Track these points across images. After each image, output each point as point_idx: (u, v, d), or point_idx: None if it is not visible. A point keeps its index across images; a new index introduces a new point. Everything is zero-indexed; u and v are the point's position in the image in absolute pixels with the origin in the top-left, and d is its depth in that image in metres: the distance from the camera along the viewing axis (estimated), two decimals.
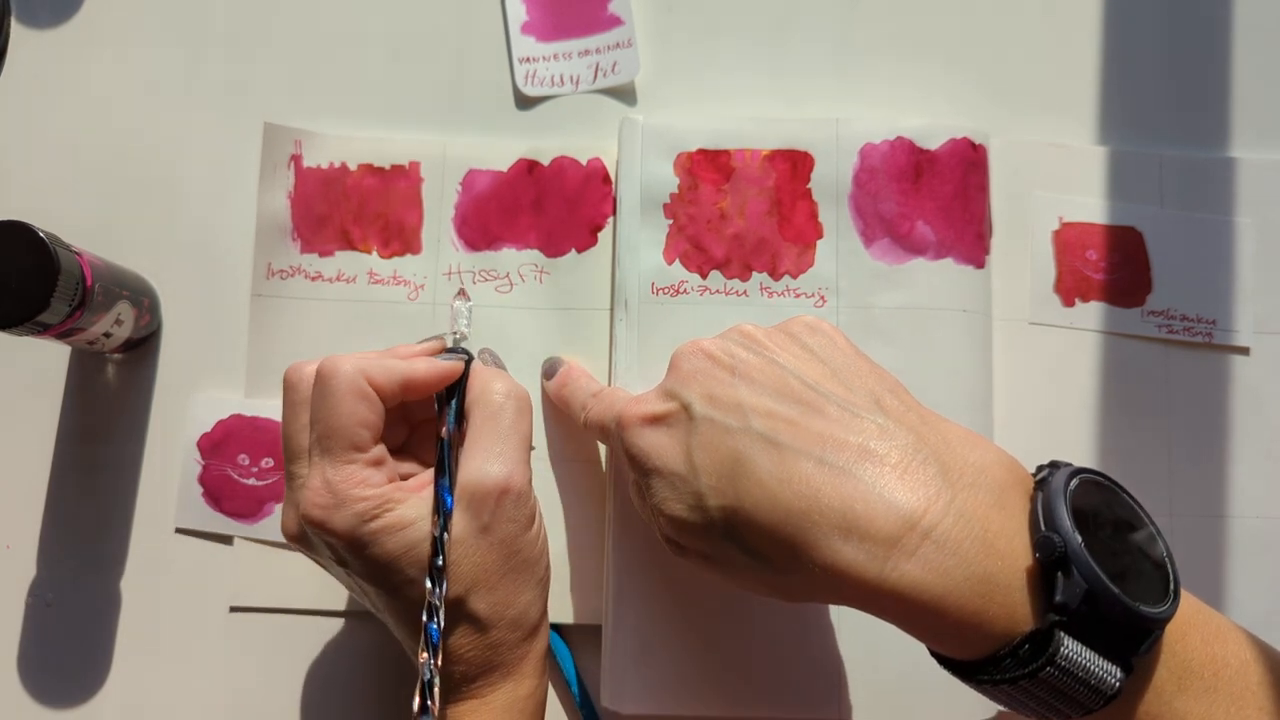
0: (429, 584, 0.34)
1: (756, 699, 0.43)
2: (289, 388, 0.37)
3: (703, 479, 0.32)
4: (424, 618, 0.34)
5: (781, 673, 0.43)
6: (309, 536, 0.36)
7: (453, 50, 0.50)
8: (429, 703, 0.34)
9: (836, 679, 0.43)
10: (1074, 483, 0.30)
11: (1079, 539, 0.28)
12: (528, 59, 0.50)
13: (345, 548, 0.35)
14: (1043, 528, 0.29)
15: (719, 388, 0.34)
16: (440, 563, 0.34)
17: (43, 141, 0.50)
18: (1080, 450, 0.46)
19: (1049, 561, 0.28)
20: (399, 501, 0.35)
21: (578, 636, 0.45)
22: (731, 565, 0.33)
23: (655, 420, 0.35)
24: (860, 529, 0.29)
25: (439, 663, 0.34)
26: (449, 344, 0.42)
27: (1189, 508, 0.46)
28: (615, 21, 0.50)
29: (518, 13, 0.50)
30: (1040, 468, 0.32)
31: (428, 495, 0.36)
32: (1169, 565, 0.30)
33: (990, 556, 0.28)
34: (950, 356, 0.45)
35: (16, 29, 0.51)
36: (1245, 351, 0.47)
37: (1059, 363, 0.47)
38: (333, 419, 0.35)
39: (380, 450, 0.37)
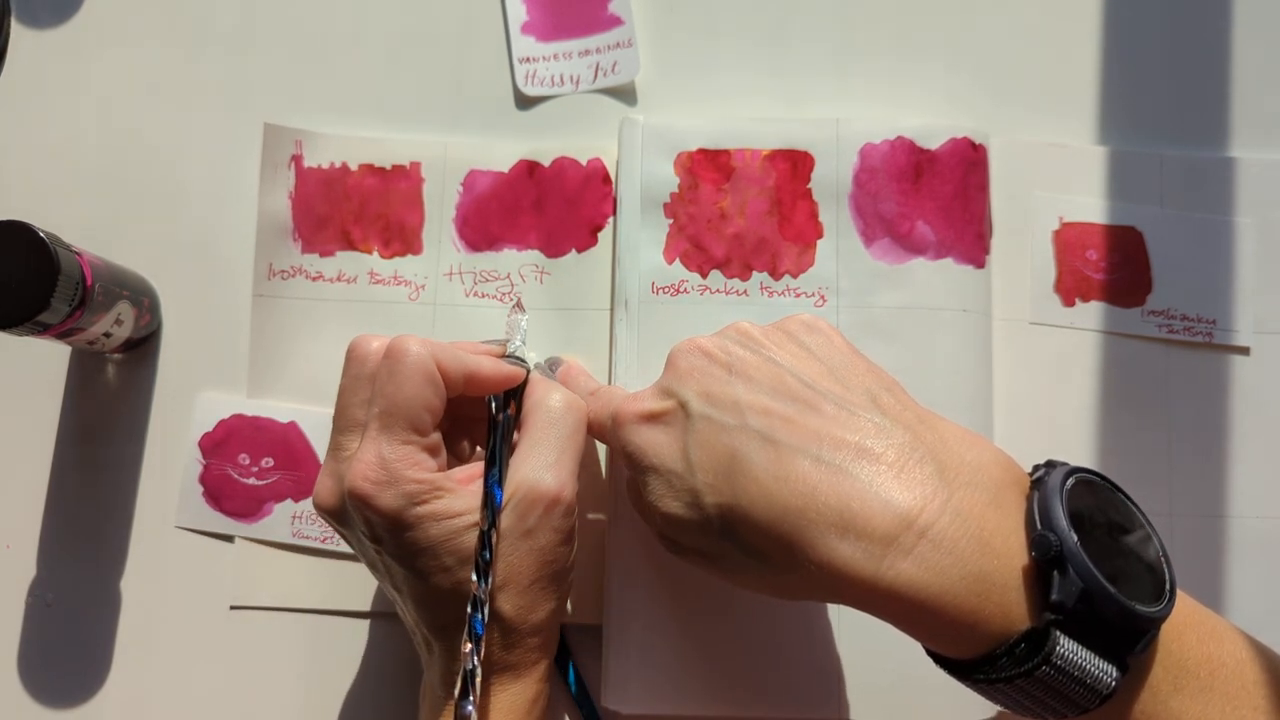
0: (475, 577, 0.35)
1: (756, 699, 0.43)
2: (353, 360, 0.37)
3: (699, 476, 0.32)
4: (469, 610, 0.35)
5: (781, 673, 0.43)
6: (345, 509, 0.36)
7: (453, 50, 0.50)
8: (470, 693, 0.34)
9: (836, 679, 0.43)
10: (1070, 482, 0.30)
11: (1075, 538, 0.28)
12: (528, 59, 0.50)
13: (386, 526, 0.35)
14: (1039, 526, 0.29)
15: (716, 385, 0.34)
16: (488, 556, 0.35)
17: (43, 141, 0.50)
18: (1080, 450, 0.46)
19: (1045, 560, 0.28)
20: (449, 491, 0.35)
21: (578, 636, 0.45)
22: (728, 563, 0.33)
23: (652, 418, 0.35)
24: (857, 527, 0.29)
25: (482, 655, 0.34)
26: (507, 352, 0.42)
27: (1189, 508, 0.46)
28: (615, 21, 0.50)
29: (518, 13, 0.50)
30: (1037, 467, 0.32)
31: (477, 489, 0.36)
32: (1165, 565, 0.30)
33: (986, 555, 0.28)
34: (950, 356, 0.45)
35: (16, 29, 0.51)
36: (1245, 351, 0.47)
37: (1059, 363, 0.47)
38: (399, 397, 0.35)
39: (437, 437, 0.37)
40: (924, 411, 0.33)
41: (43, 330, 0.40)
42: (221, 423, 0.46)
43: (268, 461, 0.46)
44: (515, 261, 0.47)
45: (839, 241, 0.46)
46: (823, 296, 0.45)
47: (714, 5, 0.51)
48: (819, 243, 0.46)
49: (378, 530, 0.35)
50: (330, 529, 0.45)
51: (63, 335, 0.42)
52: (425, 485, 0.35)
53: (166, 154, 0.49)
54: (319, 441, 0.46)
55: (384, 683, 0.45)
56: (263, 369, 0.47)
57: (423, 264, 0.48)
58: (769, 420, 0.32)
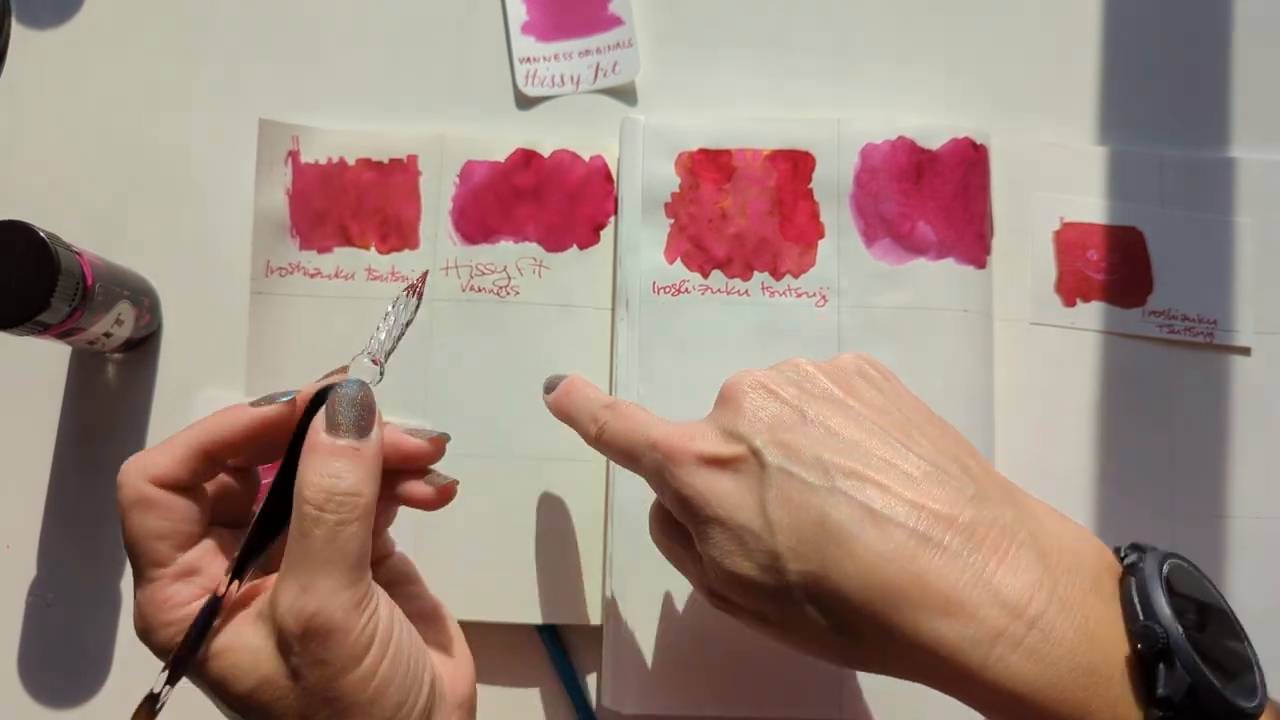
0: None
1: (757, 699, 0.43)
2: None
3: (780, 538, 0.30)
4: None
5: (782, 672, 0.43)
6: None
7: (453, 50, 0.50)
8: None
9: (837, 678, 0.43)
10: (1166, 568, 0.29)
11: (1180, 630, 0.27)
12: (528, 59, 0.50)
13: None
14: (1141, 617, 0.28)
15: (791, 435, 0.31)
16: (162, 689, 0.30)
17: (43, 141, 0.50)
18: (1080, 450, 0.46)
19: (1151, 653, 0.27)
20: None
21: (578, 636, 0.45)
22: (798, 630, 0.31)
23: (718, 463, 0.31)
24: (965, 614, 0.28)
25: None
26: (355, 367, 0.33)
27: (1189, 508, 0.46)
28: (616, 21, 0.50)
29: (518, 13, 0.50)
30: (1120, 549, 0.31)
31: (251, 611, 0.31)
32: (1253, 658, 0.30)
33: (1093, 647, 0.28)
34: (950, 356, 0.45)
35: (17, 29, 0.51)
36: (1246, 351, 0.47)
37: (1059, 363, 0.47)
38: (125, 534, 0.31)
39: (189, 558, 0.31)
40: (1005, 481, 0.32)
41: (43, 330, 0.40)
42: None
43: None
44: (512, 254, 0.47)
45: (840, 241, 0.46)
46: (824, 296, 0.45)
47: (714, 5, 0.51)
48: (820, 243, 0.46)
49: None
50: None
51: (63, 335, 0.42)
52: (178, 625, 0.30)
53: (166, 153, 0.49)
54: None
55: None
56: (261, 367, 0.47)
57: (419, 259, 0.47)
58: (860, 484, 0.30)
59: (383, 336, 0.33)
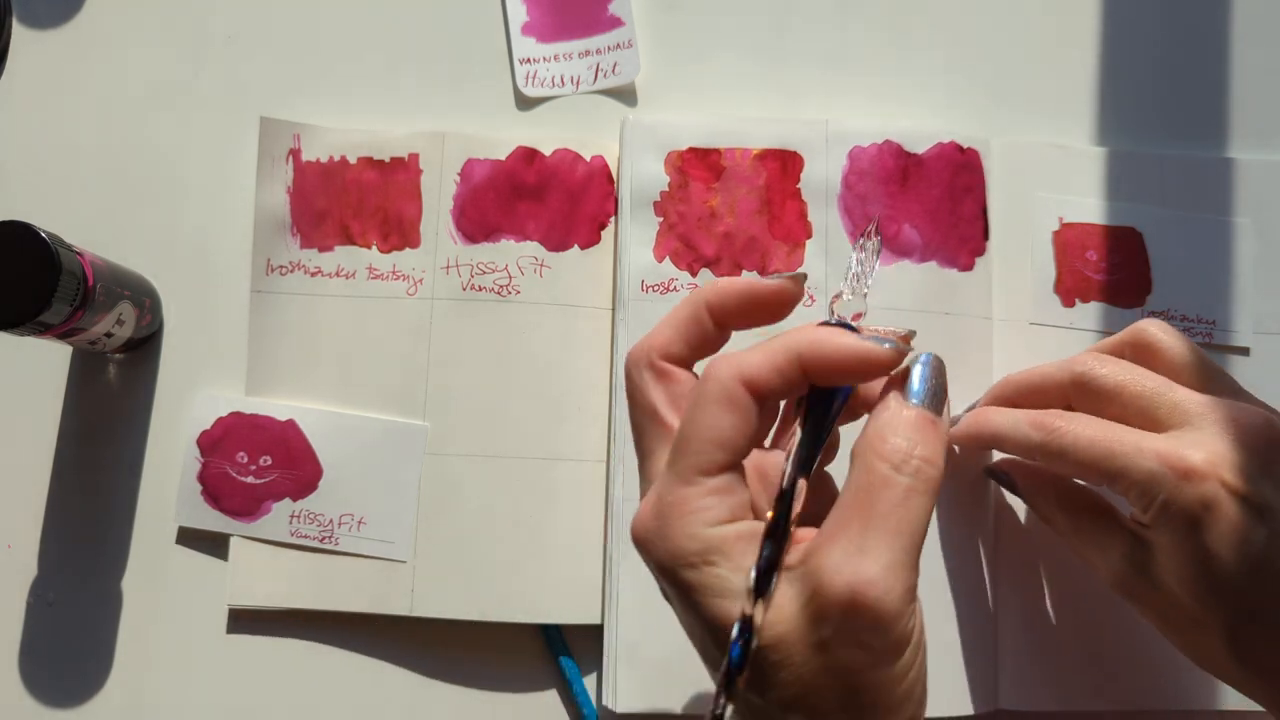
0: (718, 695, 0.27)
1: None
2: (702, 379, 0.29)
3: None
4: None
5: None
6: None
7: (453, 51, 0.50)
8: None
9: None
10: None
11: None
12: (528, 60, 0.50)
13: (659, 578, 0.29)
14: None
15: None
16: (723, 702, 0.27)
17: (44, 141, 0.50)
18: None
19: None
20: (726, 556, 0.27)
21: (579, 635, 0.45)
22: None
23: (1255, 508, 0.32)
24: None
25: None
26: (834, 314, 0.30)
27: None
28: (616, 22, 0.50)
29: (518, 13, 0.50)
30: None
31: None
32: None
33: None
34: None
35: (18, 30, 0.51)
36: (1245, 352, 0.47)
37: None
38: (689, 427, 0.28)
39: (729, 479, 0.28)
40: None
41: (44, 330, 0.40)
42: (219, 420, 0.46)
43: (266, 460, 0.46)
44: (513, 253, 0.47)
45: (827, 242, 0.46)
46: (811, 297, 0.45)
47: (715, 6, 0.51)
48: (808, 243, 0.46)
49: (655, 576, 0.30)
50: (329, 529, 0.45)
51: (64, 335, 0.42)
52: (698, 544, 0.27)
53: (167, 153, 0.50)
54: (317, 440, 0.46)
55: (383, 681, 0.45)
56: (261, 366, 0.47)
57: (420, 257, 0.47)
58: None
59: (857, 277, 0.31)
